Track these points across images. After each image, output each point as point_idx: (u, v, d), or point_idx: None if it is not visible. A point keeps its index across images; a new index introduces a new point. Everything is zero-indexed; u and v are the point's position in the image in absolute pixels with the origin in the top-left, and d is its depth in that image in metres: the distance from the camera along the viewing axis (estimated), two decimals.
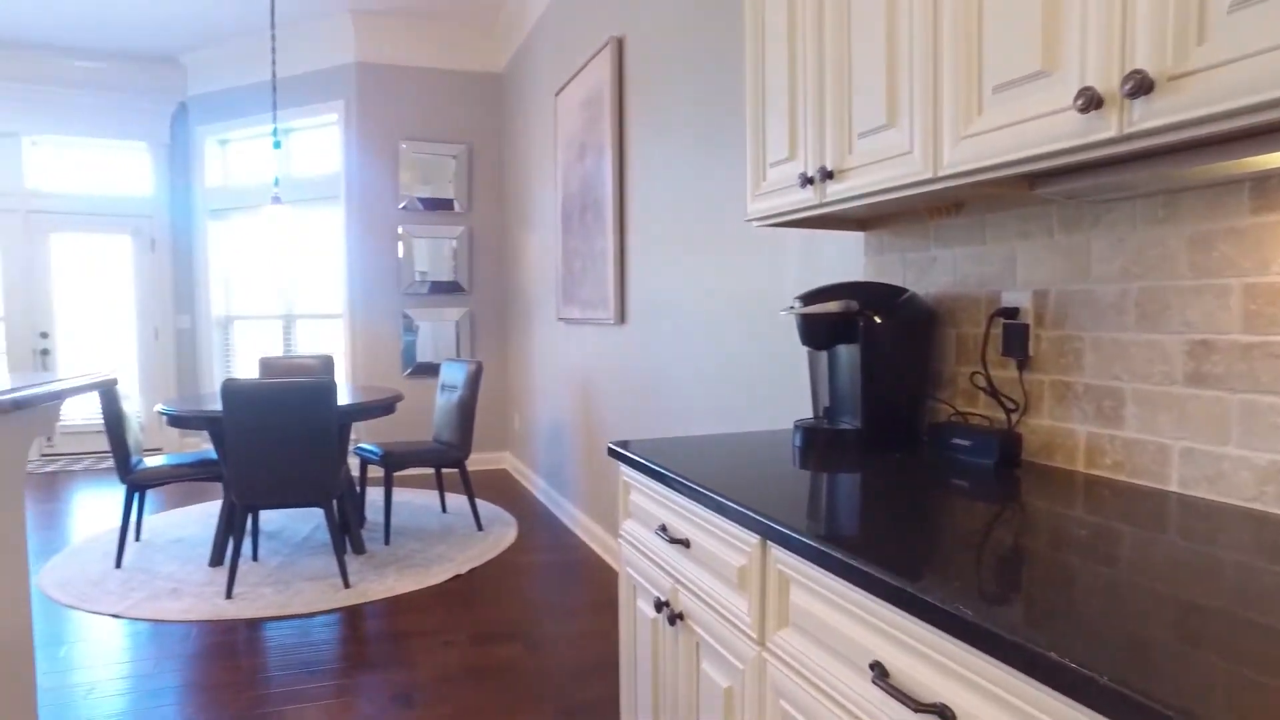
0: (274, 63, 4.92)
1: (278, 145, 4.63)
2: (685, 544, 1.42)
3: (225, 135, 6.58)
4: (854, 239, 2.02)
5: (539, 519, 4.72)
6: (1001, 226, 1.56)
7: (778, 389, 2.42)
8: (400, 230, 5.90)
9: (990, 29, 1.16)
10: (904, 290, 1.68)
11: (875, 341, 1.60)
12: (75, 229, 6.64)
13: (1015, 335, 1.51)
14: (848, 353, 1.65)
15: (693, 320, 3.00)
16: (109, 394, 3.88)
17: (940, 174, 1.25)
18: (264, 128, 6.28)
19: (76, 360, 6.76)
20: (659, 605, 1.51)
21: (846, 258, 2.07)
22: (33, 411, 1.05)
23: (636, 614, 1.68)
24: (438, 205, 5.96)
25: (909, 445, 1.63)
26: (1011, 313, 1.52)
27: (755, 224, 1.84)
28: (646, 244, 3.44)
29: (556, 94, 4.55)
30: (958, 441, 1.51)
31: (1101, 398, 1.37)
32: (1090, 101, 0.99)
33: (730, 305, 2.71)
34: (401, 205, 5.88)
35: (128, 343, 6.80)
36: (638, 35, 3.46)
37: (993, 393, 1.56)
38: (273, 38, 4.58)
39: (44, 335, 6.62)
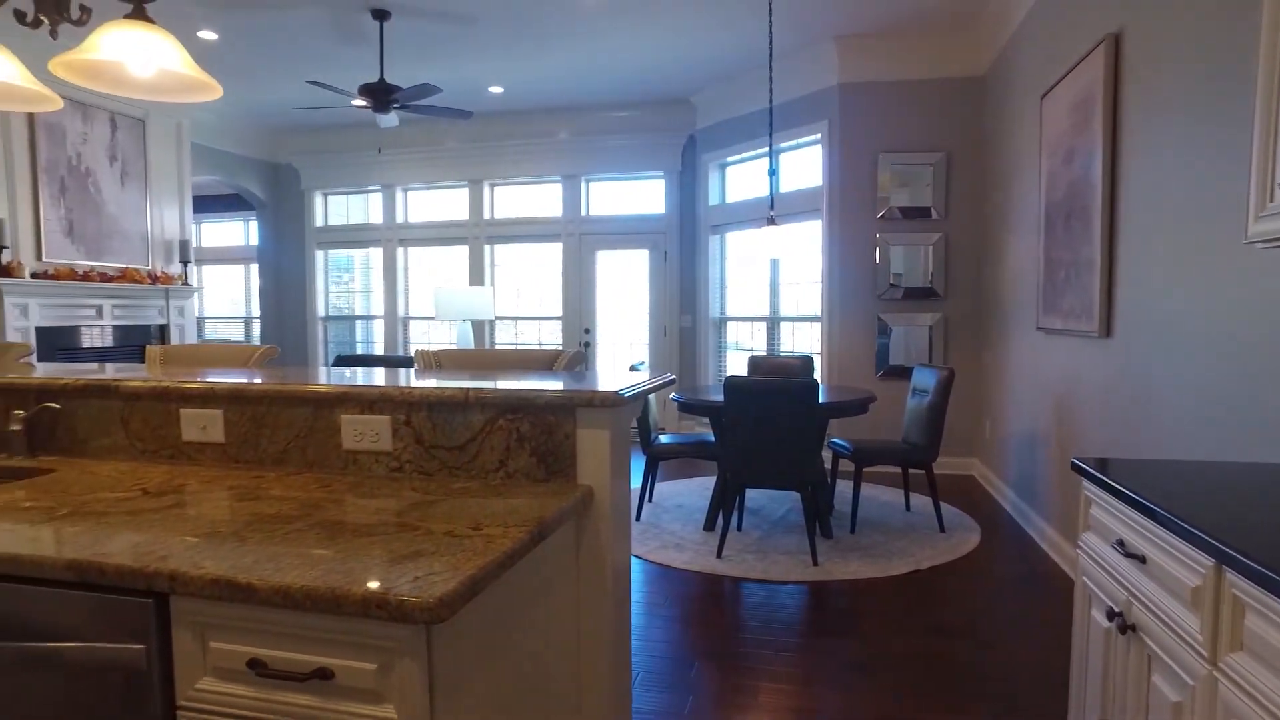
0: (770, 95, 5.59)
1: (773, 173, 5.26)
2: (1141, 559, 1.48)
3: (723, 160, 7.59)
4: None
5: (1004, 528, 4.65)
6: None
7: None
8: (877, 237, 6.20)
9: None
10: None
11: None
12: (611, 247, 8.28)
13: None
14: None
15: (1190, 339, 2.78)
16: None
17: None
18: (754, 152, 7.12)
19: (607, 353, 8.41)
20: (1111, 615, 1.58)
21: None
22: (634, 401, 1.59)
23: (1090, 622, 1.75)
24: (915, 213, 6.13)
25: None
26: None
27: (1259, 246, 1.74)
28: (1138, 255, 3.23)
29: (1042, 96, 4.41)
30: None
31: None
32: None
33: (1240, 326, 2.48)
34: (879, 214, 6.17)
35: (642, 339, 8.26)
36: (1137, 32, 3.26)
37: None
38: (770, 75, 5.23)
39: (586, 331, 8.38)
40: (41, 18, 1.95)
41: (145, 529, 1.30)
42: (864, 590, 3.69)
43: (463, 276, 8.82)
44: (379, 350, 9.19)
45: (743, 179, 7.51)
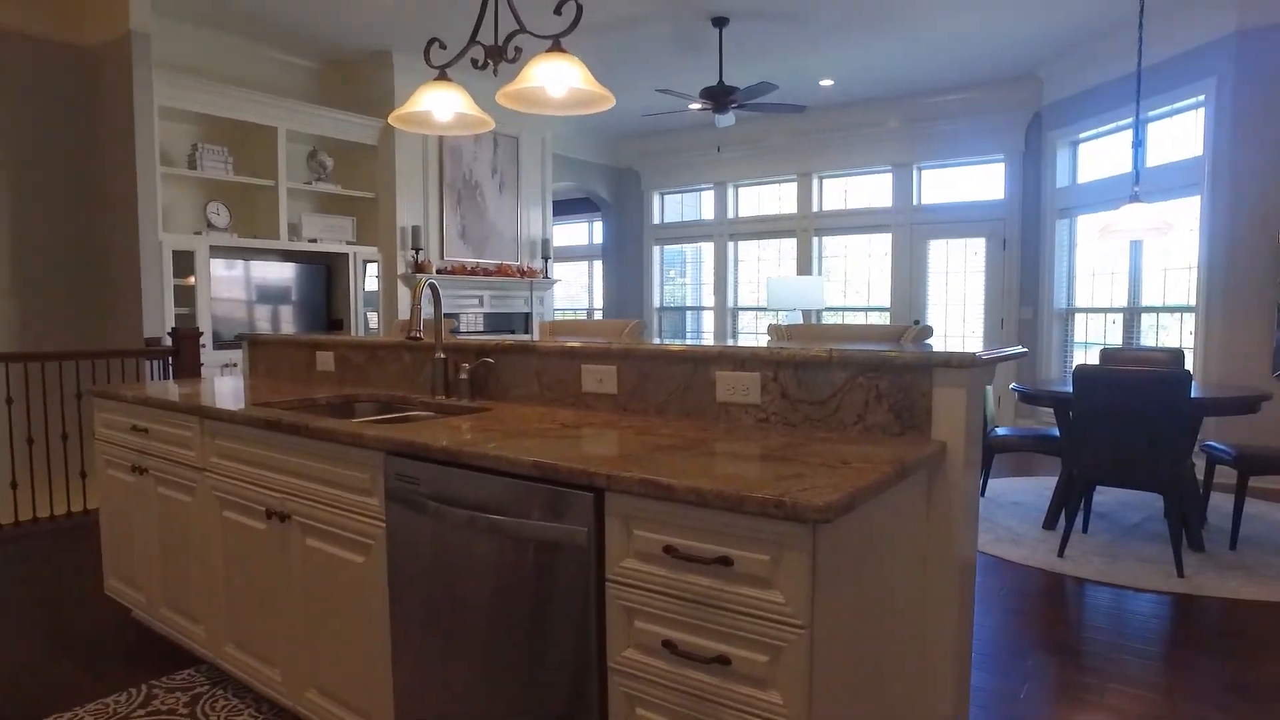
0: (1139, 56, 5.04)
1: (1138, 144, 4.77)
2: None
3: (1075, 137, 6.96)
4: None
5: None
6: None
7: None
8: None
9: None
10: None
11: None
12: (944, 235, 7.98)
13: None
14: None
15: None
16: None
17: None
18: (1112, 125, 6.44)
19: (939, 346, 8.12)
20: None
21: None
22: (989, 365, 1.65)
23: None
24: None
25: None
26: None
27: None
28: None
29: None
30: None
31: None
32: None
33: None
34: None
35: (976, 331, 7.86)
36: None
37: None
38: (1140, 33, 4.72)
39: (916, 323, 8.14)
40: (489, 60, 2.47)
41: (574, 448, 1.65)
42: (1246, 612, 3.27)
43: (788, 270, 9.04)
44: (708, 340, 9.74)
45: (1097, 156, 6.84)
